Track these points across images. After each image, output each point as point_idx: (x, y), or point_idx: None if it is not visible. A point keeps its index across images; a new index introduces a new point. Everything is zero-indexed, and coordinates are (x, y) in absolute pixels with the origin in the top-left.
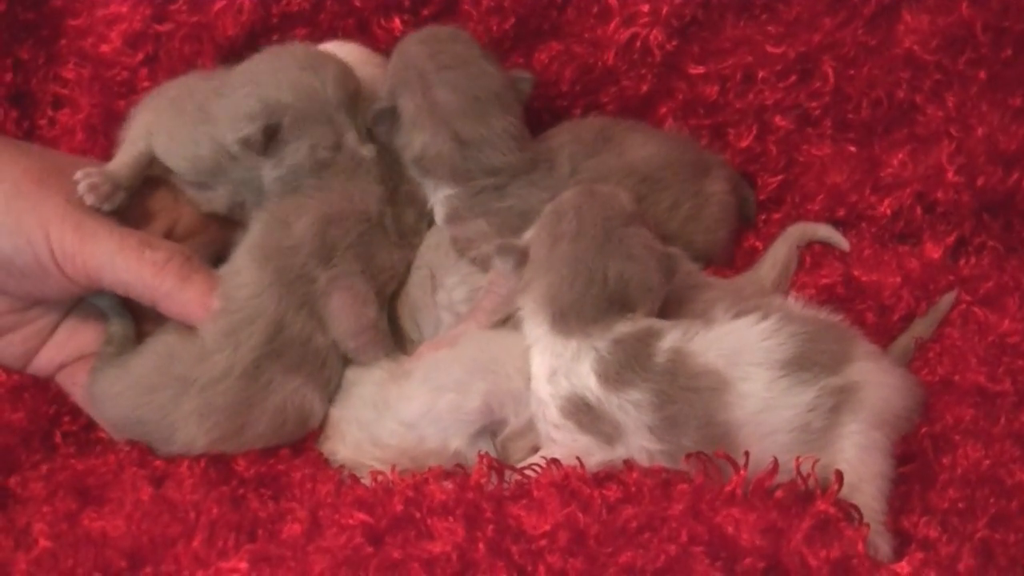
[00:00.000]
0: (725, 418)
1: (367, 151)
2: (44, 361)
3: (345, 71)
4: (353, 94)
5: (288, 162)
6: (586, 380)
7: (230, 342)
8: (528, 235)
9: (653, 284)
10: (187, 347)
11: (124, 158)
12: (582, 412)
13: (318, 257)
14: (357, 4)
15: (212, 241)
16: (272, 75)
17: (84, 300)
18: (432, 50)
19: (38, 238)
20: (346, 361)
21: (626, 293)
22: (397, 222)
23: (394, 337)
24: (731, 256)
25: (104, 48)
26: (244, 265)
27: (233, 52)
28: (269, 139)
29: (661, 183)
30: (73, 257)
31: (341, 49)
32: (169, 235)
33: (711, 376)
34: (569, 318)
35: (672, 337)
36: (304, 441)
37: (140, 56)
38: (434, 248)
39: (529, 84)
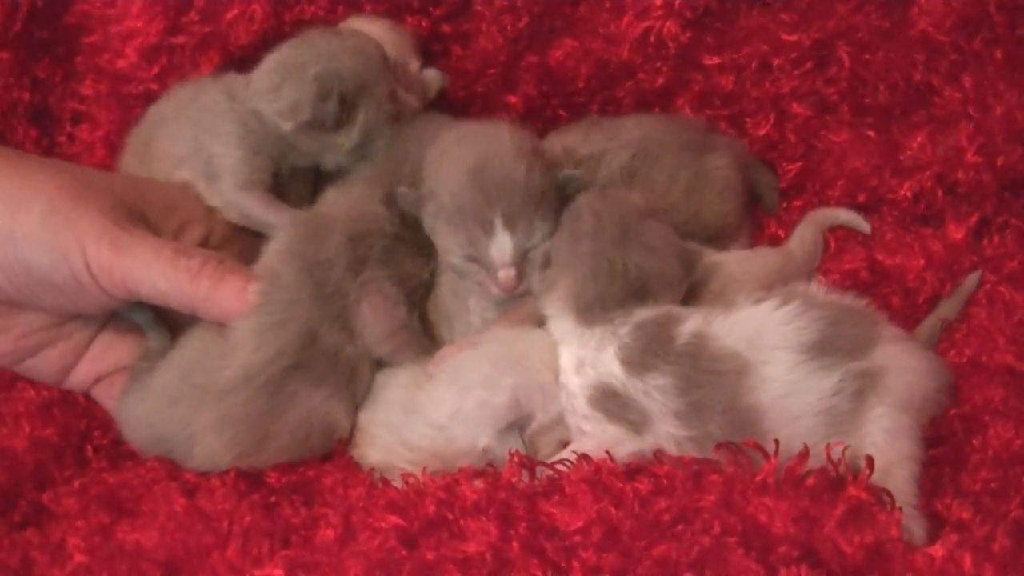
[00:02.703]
0: (749, 402)
1: (413, 100)
2: (80, 375)
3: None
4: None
5: (361, 125)
6: (611, 367)
7: (256, 341)
8: (549, 243)
9: (673, 276)
10: (210, 352)
11: (267, 218)
12: (609, 400)
13: (352, 271)
14: (368, 8)
15: (245, 251)
16: (325, 52)
17: (118, 314)
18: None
19: (74, 253)
20: (377, 369)
21: (647, 285)
22: (415, 237)
23: (429, 341)
24: (748, 235)
25: (120, 63)
26: (285, 270)
27: (245, 60)
28: (340, 111)
29: (653, 156)
30: (110, 271)
31: (368, 24)
32: (204, 245)
33: (732, 359)
34: (593, 309)
35: (693, 322)
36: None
37: (156, 69)
38: None
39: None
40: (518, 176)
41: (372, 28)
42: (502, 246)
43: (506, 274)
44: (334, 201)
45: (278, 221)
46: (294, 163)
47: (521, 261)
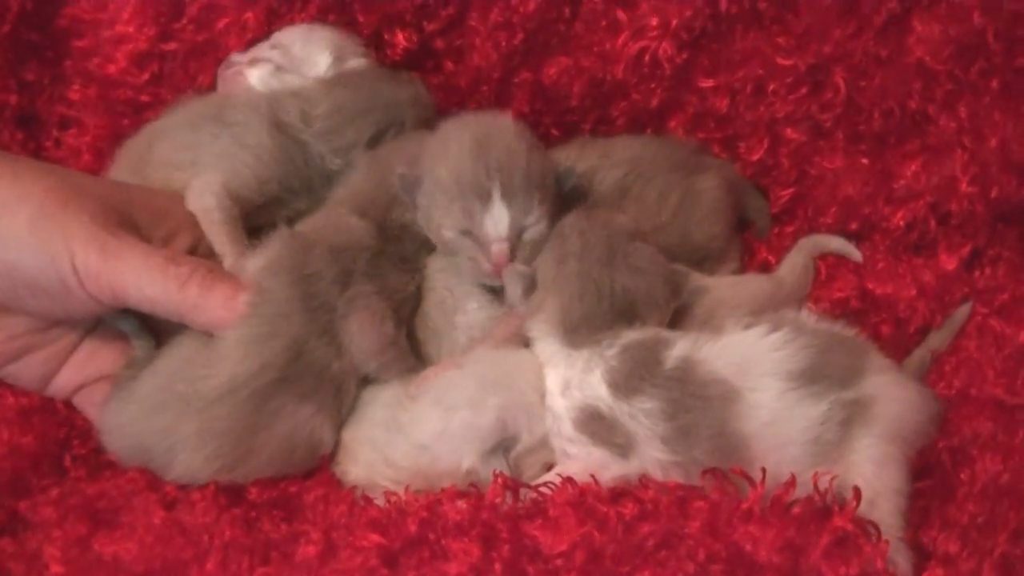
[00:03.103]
0: (736, 429)
1: None
2: (63, 382)
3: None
4: None
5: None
6: (597, 390)
7: (243, 352)
8: (536, 262)
9: (659, 297)
10: (195, 361)
11: (223, 235)
12: (595, 423)
13: (338, 284)
14: (360, 18)
15: None
16: (389, 100)
17: (104, 321)
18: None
19: (63, 258)
20: (362, 386)
21: (633, 307)
22: (398, 251)
23: (416, 359)
24: (737, 260)
25: (110, 68)
26: (274, 283)
27: None
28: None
29: (645, 175)
30: (97, 276)
31: (321, 32)
32: (192, 254)
33: (720, 384)
34: (580, 330)
35: (681, 346)
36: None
37: (146, 76)
38: (445, 271)
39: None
40: (519, 151)
41: (321, 33)
42: (498, 218)
43: (499, 248)
44: (312, 220)
45: (227, 238)
46: (304, 204)
47: (515, 238)
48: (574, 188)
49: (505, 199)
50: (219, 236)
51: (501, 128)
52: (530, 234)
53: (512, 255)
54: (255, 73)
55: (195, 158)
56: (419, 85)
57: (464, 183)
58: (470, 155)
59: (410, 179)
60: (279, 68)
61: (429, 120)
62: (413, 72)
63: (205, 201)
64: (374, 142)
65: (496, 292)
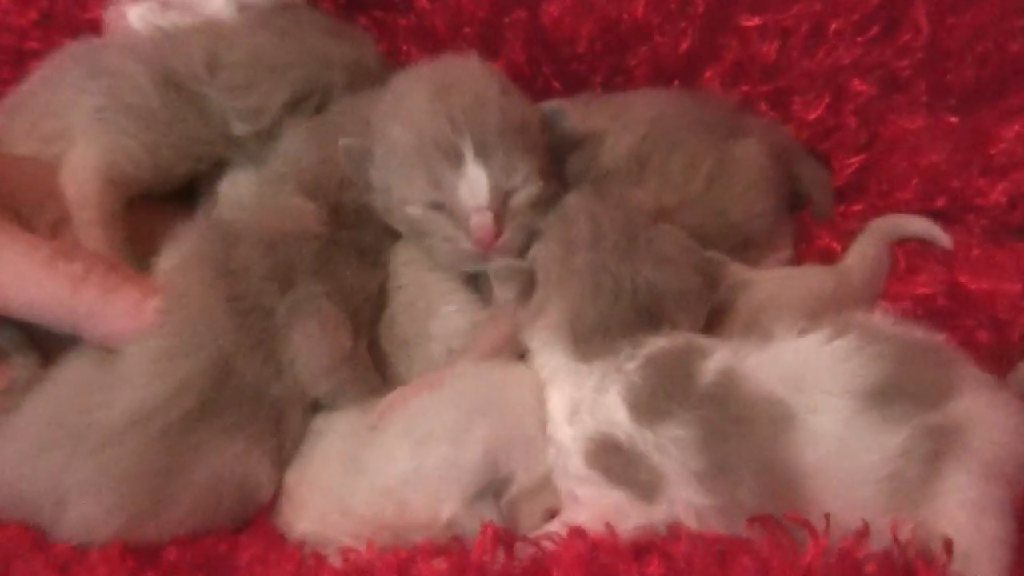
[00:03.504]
0: (791, 462)
1: None
2: None
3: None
4: None
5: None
6: (614, 413)
7: (153, 372)
8: (532, 252)
9: (692, 293)
10: (92, 386)
11: (97, 238)
12: (611, 457)
13: (276, 282)
14: None
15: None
16: (316, 53)
17: None
18: None
19: None
20: (310, 414)
21: (659, 307)
22: (355, 240)
23: (381, 378)
24: (789, 246)
25: None
26: (190, 282)
27: None
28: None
29: (669, 139)
30: None
31: None
32: None
33: (770, 405)
34: (593, 338)
35: (720, 356)
36: None
37: (33, 15)
38: (415, 264)
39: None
40: (491, 96)
41: None
42: (475, 182)
43: (480, 219)
44: (236, 201)
45: (103, 242)
46: (204, 166)
47: (500, 206)
48: (568, 136)
49: (480, 157)
50: (92, 239)
51: (465, 71)
52: (519, 198)
53: (499, 228)
54: (135, 11)
55: (64, 126)
56: (369, 46)
57: (427, 143)
58: (430, 108)
59: (357, 150)
60: (164, 5)
61: (372, 76)
62: (375, 12)
63: (79, 191)
64: (289, 108)
65: (481, 290)
